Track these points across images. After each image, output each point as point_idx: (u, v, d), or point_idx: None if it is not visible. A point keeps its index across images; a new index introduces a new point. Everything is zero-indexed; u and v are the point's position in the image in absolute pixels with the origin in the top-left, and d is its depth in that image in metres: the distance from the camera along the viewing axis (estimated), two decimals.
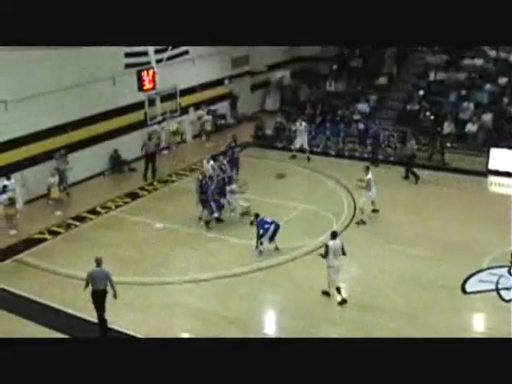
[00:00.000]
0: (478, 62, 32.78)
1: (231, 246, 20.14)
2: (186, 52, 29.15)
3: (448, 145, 28.45)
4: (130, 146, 28.11)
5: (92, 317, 15.79)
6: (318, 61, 37.93)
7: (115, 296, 15.33)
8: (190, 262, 19.47)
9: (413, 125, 29.53)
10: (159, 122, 29.37)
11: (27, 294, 17.41)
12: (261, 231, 19.17)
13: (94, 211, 23.28)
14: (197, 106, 32.53)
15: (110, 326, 15.66)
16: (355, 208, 22.67)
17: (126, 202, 24.29)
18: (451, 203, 23.10)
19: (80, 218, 22.66)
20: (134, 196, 24.92)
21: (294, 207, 22.71)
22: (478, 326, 16.26)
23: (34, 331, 15.38)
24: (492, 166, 26.54)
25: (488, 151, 26.77)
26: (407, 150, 27.04)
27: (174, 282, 18.13)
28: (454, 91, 31.47)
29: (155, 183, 26.25)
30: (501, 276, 17.57)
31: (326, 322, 15.80)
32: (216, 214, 21.56)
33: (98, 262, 15.31)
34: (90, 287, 15.30)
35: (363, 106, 32.43)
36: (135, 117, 28.57)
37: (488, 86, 31.16)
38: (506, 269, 17.84)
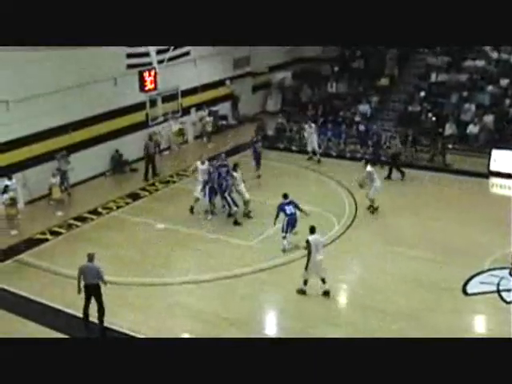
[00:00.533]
0: (480, 63, 32.75)
1: (232, 247, 20.14)
2: (188, 53, 29.18)
3: (449, 146, 28.43)
4: (132, 146, 28.17)
5: (93, 317, 15.82)
6: (320, 62, 37.94)
7: (105, 284, 15.60)
8: (190, 263, 19.46)
9: (414, 126, 29.50)
10: (161, 123, 29.37)
11: (28, 294, 17.42)
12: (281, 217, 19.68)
13: (95, 211, 23.30)
14: (198, 106, 32.54)
15: (109, 326, 15.70)
16: (357, 209, 22.69)
17: (127, 203, 24.30)
18: (452, 204, 23.07)
19: (81, 219, 22.68)
20: (135, 196, 24.93)
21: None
22: (479, 327, 16.22)
23: (34, 331, 15.38)
24: (493, 167, 26.49)
25: (489, 153, 26.72)
26: (392, 149, 27.02)
27: (175, 283, 18.13)
28: (456, 93, 31.45)
29: (157, 183, 26.25)
30: (502, 278, 17.54)
31: (327, 323, 15.77)
32: (235, 208, 21.70)
33: (90, 258, 15.55)
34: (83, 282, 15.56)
35: (365, 108, 32.43)
36: (137, 117, 28.60)
37: (490, 88, 31.13)
38: (507, 270, 17.81)
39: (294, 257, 18.93)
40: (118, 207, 23.83)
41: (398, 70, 34.88)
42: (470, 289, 17.18)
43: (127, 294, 17.44)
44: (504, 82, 31.14)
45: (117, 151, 27.54)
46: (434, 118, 30.27)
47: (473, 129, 29.26)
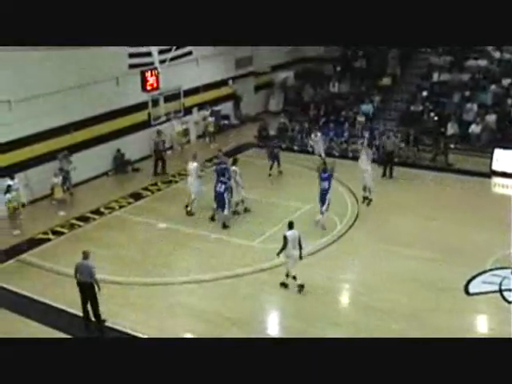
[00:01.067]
0: (482, 63, 32.76)
1: (234, 247, 20.14)
2: (190, 53, 29.17)
3: (452, 146, 28.42)
4: (134, 146, 28.22)
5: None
6: (322, 62, 37.99)
7: (98, 289, 15.57)
8: (192, 263, 19.48)
9: (416, 126, 29.49)
10: (163, 123, 29.39)
11: (30, 294, 17.44)
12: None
13: (97, 211, 23.32)
14: (200, 106, 32.56)
15: (111, 326, 15.73)
16: (359, 208, 22.68)
17: (129, 203, 24.32)
18: (455, 204, 23.06)
19: (83, 218, 22.69)
20: (137, 196, 24.95)
21: (298, 207, 22.68)
22: (481, 327, 16.19)
23: (36, 331, 15.40)
24: (496, 167, 26.48)
25: (492, 152, 26.71)
26: (389, 146, 26.86)
27: (176, 283, 18.13)
28: (458, 92, 31.45)
29: (159, 183, 26.26)
30: (504, 277, 17.52)
31: (328, 323, 15.76)
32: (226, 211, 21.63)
33: (85, 255, 15.61)
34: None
35: (367, 107, 32.42)
36: (139, 117, 28.64)
37: (492, 87, 31.12)
38: (509, 270, 17.77)
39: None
40: (120, 207, 23.84)
41: (401, 70, 34.91)
42: (472, 288, 17.17)
43: (129, 293, 17.45)
44: (506, 81, 31.15)
45: (118, 151, 27.55)
46: (436, 118, 30.28)
47: (475, 128, 29.25)
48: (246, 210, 22.48)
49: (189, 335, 15.46)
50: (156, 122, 28.87)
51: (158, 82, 26.44)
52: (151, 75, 26.05)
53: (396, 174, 26.13)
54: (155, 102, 29.07)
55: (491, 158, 26.59)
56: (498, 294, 16.90)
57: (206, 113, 32.41)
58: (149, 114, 28.85)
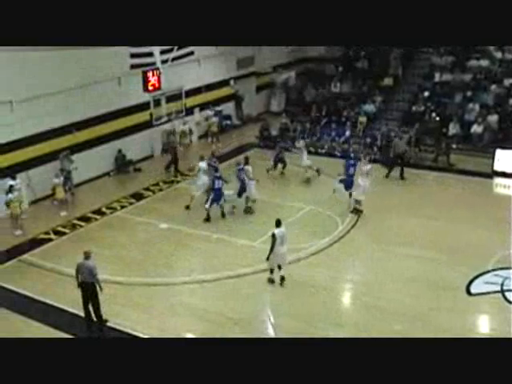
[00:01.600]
0: (484, 63, 32.71)
1: (235, 247, 20.13)
2: (192, 53, 29.15)
3: (453, 146, 28.39)
4: (136, 146, 28.25)
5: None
6: (324, 62, 38.00)
7: (100, 289, 15.58)
8: (193, 263, 19.48)
9: (418, 126, 29.46)
10: (165, 123, 29.39)
11: (31, 294, 17.45)
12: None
13: (99, 211, 23.32)
14: (202, 106, 32.56)
15: (113, 326, 15.73)
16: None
17: (130, 203, 24.32)
18: (456, 204, 23.04)
19: (85, 219, 22.70)
20: (138, 196, 24.95)
21: (300, 208, 22.68)
22: (483, 327, 16.18)
23: (37, 331, 15.42)
24: (497, 167, 26.47)
25: (493, 152, 26.70)
26: (401, 147, 26.77)
27: (178, 283, 18.13)
28: (460, 92, 31.42)
29: (160, 183, 26.27)
30: (506, 278, 17.50)
31: (330, 323, 15.75)
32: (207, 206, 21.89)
33: (87, 256, 15.57)
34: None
35: (369, 107, 32.40)
36: (140, 117, 28.65)
37: (493, 88, 31.08)
38: (510, 271, 17.74)
39: (297, 257, 18.90)
40: (121, 207, 23.85)
41: (402, 70, 34.86)
42: (474, 289, 17.15)
43: (130, 293, 17.45)
44: (508, 81, 31.08)
45: (119, 151, 27.55)
46: (437, 118, 30.27)
47: (477, 129, 29.23)
48: (249, 211, 22.46)
49: (190, 335, 15.45)
50: (158, 123, 28.87)
51: (159, 82, 26.43)
52: (153, 75, 26.05)
53: (395, 174, 26.11)
54: (157, 103, 29.08)
55: (493, 159, 26.57)
56: (500, 295, 16.89)
57: (210, 113, 32.42)
58: (150, 115, 28.86)
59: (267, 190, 23.64)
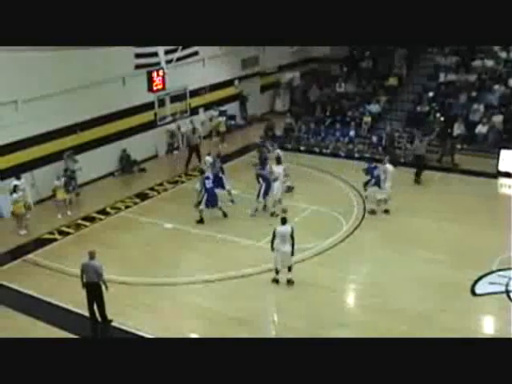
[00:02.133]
0: (489, 63, 32.66)
1: (240, 247, 20.13)
2: (196, 53, 29.18)
3: (458, 146, 28.36)
4: (140, 146, 28.28)
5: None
6: (328, 62, 38.00)
7: (106, 288, 15.64)
8: (198, 263, 19.47)
9: (423, 126, 29.43)
10: (169, 123, 29.44)
11: (36, 294, 17.48)
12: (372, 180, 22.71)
13: (103, 211, 23.35)
14: (206, 106, 32.58)
15: (117, 326, 15.76)
16: (365, 209, 22.69)
17: (135, 203, 24.34)
18: (461, 205, 23.00)
19: (90, 219, 22.73)
20: (143, 196, 24.97)
21: (304, 208, 22.67)
22: (488, 327, 16.16)
23: (42, 331, 15.45)
24: (502, 167, 26.44)
25: (498, 153, 26.67)
26: (421, 150, 26.55)
27: (183, 283, 18.14)
28: (464, 93, 31.36)
29: (165, 183, 26.28)
30: (510, 278, 17.49)
31: (335, 323, 15.74)
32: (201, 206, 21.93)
33: (91, 256, 15.61)
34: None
35: (374, 107, 32.37)
36: (145, 117, 28.69)
37: (498, 88, 31.03)
38: None
39: (302, 257, 18.89)
40: (126, 207, 23.87)
41: (407, 70, 34.82)
42: (479, 289, 17.13)
43: (135, 293, 17.46)
44: None
45: (124, 151, 27.59)
46: (442, 118, 30.22)
47: (481, 129, 29.20)
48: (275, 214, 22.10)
49: (195, 335, 15.47)
50: (162, 122, 28.93)
51: (164, 82, 26.44)
52: (157, 75, 26.07)
53: (402, 175, 26.05)
54: (161, 103, 29.10)
55: (498, 159, 26.54)
56: (505, 295, 16.87)
57: (214, 113, 32.42)
58: (155, 115, 28.89)
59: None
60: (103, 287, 15.57)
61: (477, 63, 33.02)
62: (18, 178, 21.87)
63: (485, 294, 17.02)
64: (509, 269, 17.91)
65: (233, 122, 34.56)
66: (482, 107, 30.25)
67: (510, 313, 15.85)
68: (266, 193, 22.26)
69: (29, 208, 21.67)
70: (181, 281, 18.24)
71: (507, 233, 19.21)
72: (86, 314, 15.97)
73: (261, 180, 22.16)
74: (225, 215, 22.25)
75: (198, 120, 31.61)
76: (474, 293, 17.01)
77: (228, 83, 34.52)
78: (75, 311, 16.48)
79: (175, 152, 29.46)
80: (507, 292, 16.95)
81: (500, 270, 17.98)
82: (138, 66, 26.26)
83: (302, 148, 30.78)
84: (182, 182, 26.52)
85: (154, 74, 25.94)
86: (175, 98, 29.76)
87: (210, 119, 32.36)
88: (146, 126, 28.85)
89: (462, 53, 33.48)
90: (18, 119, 22.62)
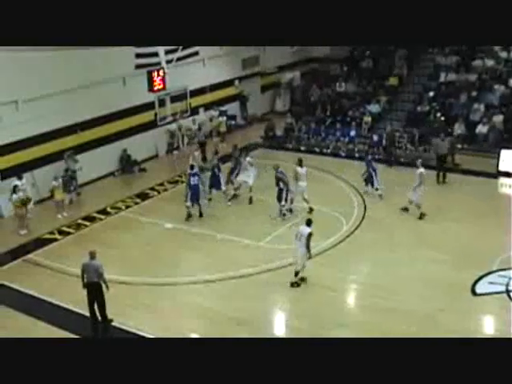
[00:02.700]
0: (489, 63, 32.63)
1: (240, 247, 20.14)
2: (196, 53, 29.18)
3: (458, 146, 28.33)
4: (141, 146, 28.28)
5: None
6: (329, 62, 37.96)
7: (107, 288, 15.67)
8: (198, 263, 19.47)
9: (424, 126, 29.43)
10: (170, 123, 29.44)
11: (37, 294, 17.50)
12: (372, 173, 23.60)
13: (104, 211, 23.36)
14: (207, 106, 32.57)
15: (118, 326, 15.78)
16: (365, 208, 22.68)
17: (135, 203, 24.35)
18: (461, 205, 23.01)
19: (90, 218, 22.74)
20: (143, 196, 24.98)
21: (305, 208, 22.65)
22: (488, 327, 16.15)
23: (43, 331, 15.47)
24: (502, 167, 26.42)
25: (499, 153, 26.65)
26: (444, 149, 26.27)
27: (183, 283, 18.14)
28: (465, 92, 31.32)
29: (165, 183, 26.29)
30: (511, 278, 17.48)
31: (335, 323, 15.73)
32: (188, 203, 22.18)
33: (92, 255, 15.64)
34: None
35: (374, 107, 32.36)
36: (145, 117, 28.70)
37: (499, 88, 31.01)
38: None
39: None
40: (126, 207, 23.88)
41: (407, 70, 34.79)
42: (479, 289, 17.13)
43: (135, 293, 17.47)
44: None
45: (124, 151, 27.59)
46: (442, 118, 30.19)
47: (482, 129, 29.17)
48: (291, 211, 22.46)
49: (195, 335, 15.46)
50: (162, 122, 28.95)
51: (164, 82, 26.44)
52: (158, 75, 26.06)
53: (403, 175, 26.07)
54: (162, 103, 29.11)
55: (498, 159, 26.52)
56: (505, 295, 16.87)
57: (214, 113, 32.40)
58: (155, 115, 28.90)
59: (272, 191, 23.60)
60: (104, 287, 15.58)
61: (477, 63, 32.99)
62: (20, 178, 21.88)
63: (485, 293, 17.02)
64: (509, 269, 17.91)
65: (233, 122, 34.54)
66: (482, 107, 30.23)
67: (509, 313, 15.84)
68: (286, 197, 22.22)
69: (28, 200, 21.56)
70: (181, 281, 18.24)
71: (507, 232, 19.22)
72: (87, 313, 15.98)
73: (281, 184, 22.05)
74: (201, 215, 22.41)
75: (197, 120, 31.60)
76: (474, 292, 17.00)
77: (228, 83, 34.52)
78: (76, 311, 16.50)
79: (175, 152, 29.42)
80: (507, 292, 16.95)
81: (500, 269, 17.98)
82: (138, 66, 26.28)
83: (302, 148, 30.75)
84: (183, 182, 26.46)
85: (155, 74, 25.94)
86: (175, 98, 29.73)
87: (211, 119, 32.32)
88: (147, 125, 28.85)
89: (462, 53, 33.45)
90: (18, 119, 22.66)
